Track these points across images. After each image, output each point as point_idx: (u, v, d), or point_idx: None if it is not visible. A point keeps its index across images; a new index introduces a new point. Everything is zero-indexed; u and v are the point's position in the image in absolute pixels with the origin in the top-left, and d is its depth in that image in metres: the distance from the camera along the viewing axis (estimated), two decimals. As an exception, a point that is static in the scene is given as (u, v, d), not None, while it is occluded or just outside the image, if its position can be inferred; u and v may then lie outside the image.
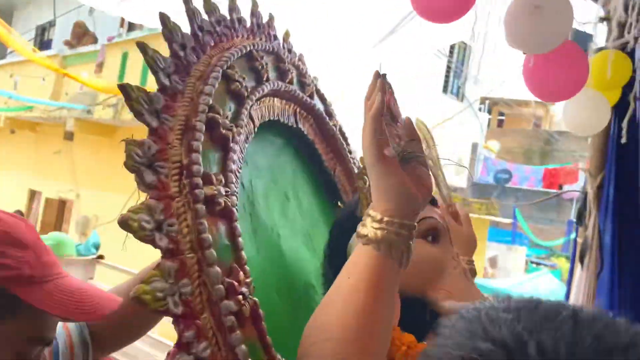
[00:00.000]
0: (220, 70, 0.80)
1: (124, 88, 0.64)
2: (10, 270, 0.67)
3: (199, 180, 0.68)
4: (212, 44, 0.83)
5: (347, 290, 0.67)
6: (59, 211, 8.72)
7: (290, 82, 1.05)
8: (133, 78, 6.60)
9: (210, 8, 0.85)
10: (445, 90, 11.97)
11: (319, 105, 1.17)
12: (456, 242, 1.31)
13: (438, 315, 0.91)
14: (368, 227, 0.68)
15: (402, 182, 0.68)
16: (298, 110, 1.10)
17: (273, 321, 0.83)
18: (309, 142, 1.14)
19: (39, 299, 0.68)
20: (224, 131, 0.76)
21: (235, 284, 0.68)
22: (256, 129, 0.92)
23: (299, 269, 1.02)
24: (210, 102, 0.75)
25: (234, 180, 0.77)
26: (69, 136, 8.40)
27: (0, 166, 11.00)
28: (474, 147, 14.59)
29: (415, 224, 0.70)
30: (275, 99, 1.01)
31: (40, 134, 9.43)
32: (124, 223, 0.59)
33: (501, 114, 20.78)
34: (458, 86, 12.29)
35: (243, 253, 0.73)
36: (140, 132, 0.69)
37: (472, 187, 15.77)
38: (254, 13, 1.00)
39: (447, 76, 11.97)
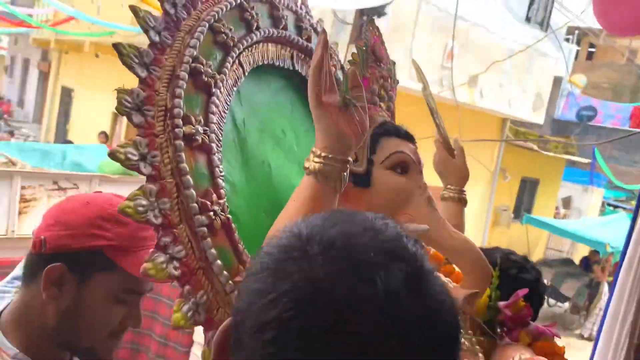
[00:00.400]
0: (207, 24, 0.94)
1: (116, 47, 0.81)
2: (108, 241, 0.91)
3: (179, 121, 0.85)
4: (190, 5, 0.96)
5: (291, 211, 0.83)
6: (138, 133, 9.38)
7: (285, 28, 1.16)
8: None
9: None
10: (528, 19, 11.19)
11: (320, 49, 1.28)
12: (450, 173, 1.43)
13: None
14: (310, 161, 0.83)
15: (335, 124, 0.82)
16: (295, 53, 1.22)
17: (260, 238, 1.01)
18: (307, 81, 1.26)
19: (128, 263, 0.91)
20: (206, 79, 0.91)
21: (208, 203, 0.86)
22: (246, 74, 1.06)
23: (289, 194, 1.19)
24: (195, 53, 0.90)
25: (216, 120, 0.93)
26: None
27: (86, 89, 11.84)
28: (557, 81, 13.70)
29: (349, 158, 0.84)
30: (269, 44, 1.14)
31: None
32: (113, 155, 0.77)
33: (592, 45, 19.15)
34: (543, 14, 11.43)
35: (219, 180, 0.90)
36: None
37: (551, 123, 15.01)
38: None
39: (531, 3, 11.15)
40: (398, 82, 1.31)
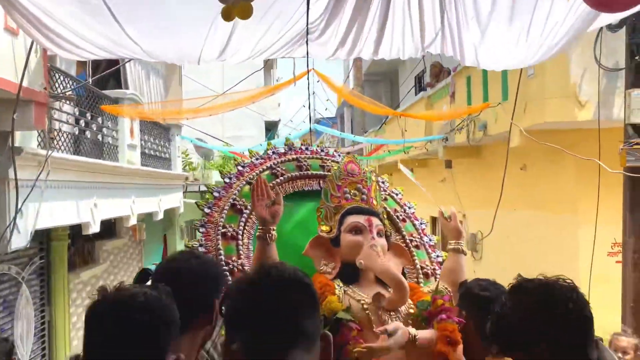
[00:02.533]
0: (245, 182, 2.02)
1: (196, 204, 1.96)
2: None
3: (220, 227, 1.93)
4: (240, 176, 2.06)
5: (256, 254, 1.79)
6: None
7: (307, 169, 2.14)
8: (477, 98, 7.27)
9: (252, 155, 2.09)
10: None
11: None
12: (448, 233, 2.06)
13: (359, 270, 1.83)
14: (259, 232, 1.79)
15: (259, 213, 1.82)
16: (321, 181, 2.17)
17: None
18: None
19: None
20: (239, 207, 1.98)
21: (231, 261, 1.89)
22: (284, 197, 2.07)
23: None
24: (235, 197, 1.99)
25: (244, 226, 1.97)
26: (449, 164, 9.71)
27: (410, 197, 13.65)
28: None
29: (270, 227, 1.78)
30: (298, 181, 2.13)
31: (429, 167, 11.41)
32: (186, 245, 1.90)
33: None
34: None
35: (241, 253, 1.92)
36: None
37: None
38: (288, 145, 2.18)
39: None
40: (376, 181, 2.13)
